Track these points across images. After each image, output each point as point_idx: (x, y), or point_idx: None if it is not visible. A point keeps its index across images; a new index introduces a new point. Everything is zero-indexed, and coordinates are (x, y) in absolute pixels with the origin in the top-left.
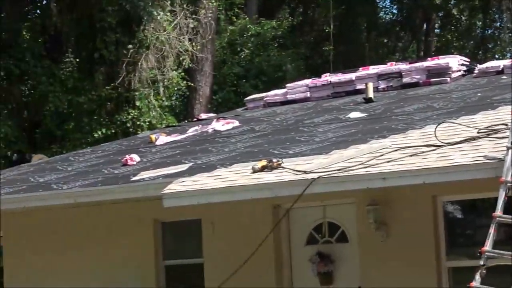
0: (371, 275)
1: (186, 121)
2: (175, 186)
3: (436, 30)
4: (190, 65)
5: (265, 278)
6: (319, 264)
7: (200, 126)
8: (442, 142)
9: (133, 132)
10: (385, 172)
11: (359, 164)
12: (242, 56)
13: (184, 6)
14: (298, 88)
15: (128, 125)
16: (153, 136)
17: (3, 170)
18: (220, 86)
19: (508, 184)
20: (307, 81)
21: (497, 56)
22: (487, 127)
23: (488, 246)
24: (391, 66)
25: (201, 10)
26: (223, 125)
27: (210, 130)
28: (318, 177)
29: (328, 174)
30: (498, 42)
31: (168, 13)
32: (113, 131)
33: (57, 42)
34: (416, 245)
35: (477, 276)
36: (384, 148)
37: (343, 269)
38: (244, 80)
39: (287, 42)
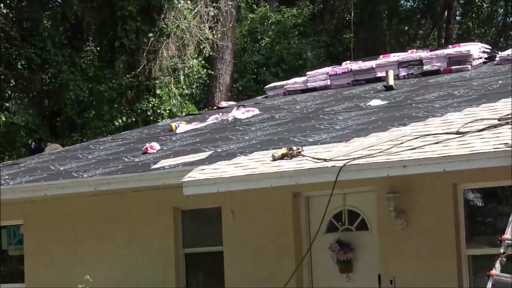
0: (390, 263)
1: (206, 109)
2: (195, 174)
3: (457, 18)
4: (211, 53)
5: (285, 266)
6: (339, 252)
7: (220, 114)
8: (463, 130)
9: (153, 120)
10: (405, 159)
11: (379, 152)
12: (263, 44)
13: None
14: (319, 76)
15: (149, 113)
16: (173, 124)
17: (24, 158)
18: (240, 74)
19: None
20: (328, 69)
21: None
22: (508, 115)
23: (508, 234)
24: (412, 54)
25: None
26: (243, 113)
27: (230, 118)
28: (344, 165)
29: (348, 162)
30: None
31: (189, 1)
32: (133, 119)
33: (77, 31)
34: (436, 233)
35: (497, 264)
36: (404, 136)
37: (363, 257)
38: (264, 68)
39: (308, 30)
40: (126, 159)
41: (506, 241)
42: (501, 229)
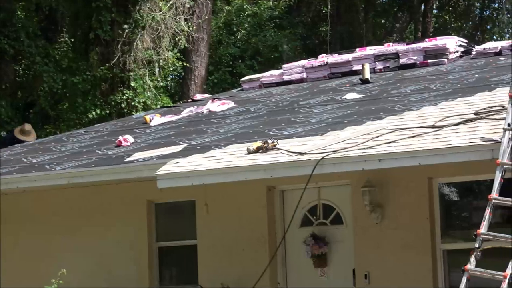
0: (365, 258)
1: (181, 102)
2: (169, 167)
3: (434, 11)
4: (186, 45)
5: (259, 260)
6: (313, 246)
7: (195, 107)
8: (439, 124)
9: (127, 113)
10: (381, 153)
11: (355, 146)
12: (238, 37)
13: None
14: (294, 69)
15: (123, 105)
16: (147, 117)
17: None
18: (215, 67)
19: (505, 166)
20: (304, 62)
21: (495, 38)
22: (484, 109)
23: (483, 228)
24: (388, 47)
25: None
26: (218, 106)
27: (205, 111)
28: (321, 159)
29: (324, 156)
30: (497, 23)
31: None
32: (107, 111)
33: (52, 22)
34: (411, 227)
35: (472, 259)
36: (380, 130)
37: (338, 251)
38: (240, 61)
39: (284, 22)
40: (99, 152)
41: (481, 236)
42: (477, 224)
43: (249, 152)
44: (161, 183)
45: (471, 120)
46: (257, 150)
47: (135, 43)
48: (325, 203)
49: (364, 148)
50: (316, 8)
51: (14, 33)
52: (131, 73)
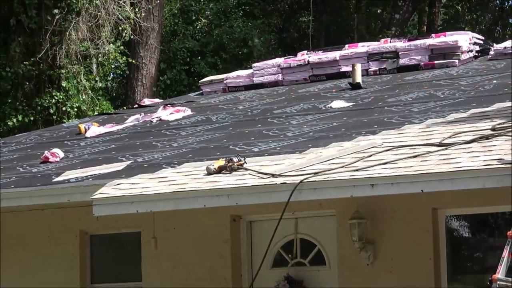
0: None
1: (124, 107)
2: (109, 190)
3: None
4: (132, 36)
5: None
6: None
7: (143, 114)
8: (447, 142)
9: (57, 120)
10: (374, 177)
11: (342, 167)
12: (198, 27)
13: None
14: (268, 68)
15: (51, 111)
16: (82, 126)
17: None
18: (169, 64)
19: None
20: (279, 60)
21: None
22: (503, 123)
23: (500, 273)
24: (385, 44)
25: None
26: (171, 113)
27: (154, 120)
28: (300, 182)
29: (303, 178)
30: None
31: None
32: (31, 118)
33: None
34: (411, 270)
35: None
36: (373, 147)
37: None
38: (199, 57)
39: (255, 10)
40: (21, 169)
41: (498, 282)
42: (492, 267)
43: (210, 173)
44: (98, 210)
45: (487, 137)
46: (220, 170)
47: (67, 33)
48: (304, 238)
49: (353, 170)
50: None
51: None
52: (62, 71)
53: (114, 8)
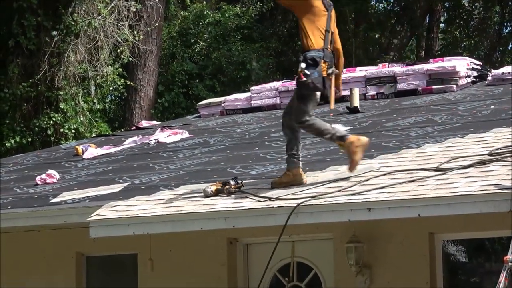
0: None
1: (122, 129)
2: (106, 212)
3: (441, 25)
4: (130, 59)
5: None
6: None
7: (140, 136)
8: (444, 166)
9: (54, 141)
10: (371, 201)
11: (339, 191)
12: (196, 50)
13: None
14: (266, 92)
15: (49, 132)
16: (79, 148)
17: None
18: (167, 87)
19: None
20: (277, 84)
21: None
22: (501, 149)
23: None
24: (383, 68)
25: None
26: (169, 135)
27: (152, 142)
28: (297, 205)
29: (300, 202)
30: None
31: None
32: (29, 139)
33: None
34: None
35: None
36: (370, 171)
37: None
38: (197, 80)
39: (254, 33)
40: (18, 190)
41: None
42: None
43: (207, 196)
44: (94, 231)
45: (484, 163)
46: (217, 193)
47: (66, 55)
48: (301, 262)
49: (350, 194)
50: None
51: None
52: (61, 92)
53: (112, 31)
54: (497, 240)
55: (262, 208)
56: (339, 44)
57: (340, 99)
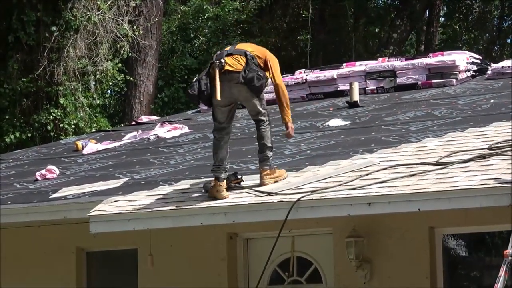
0: None
1: (122, 124)
2: (106, 207)
3: (441, 19)
4: (130, 54)
5: None
6: None
7: (140, 131)
8: (444, 161)
9: (54, 137)
10: (371, 195)
11: (339, 185)
12: (196, 45)
13: None
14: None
15: (49, 127)
16: (79, 143)
17: None
18: (167, 82)
19: None
20: None
21: None
22: (501, 143)
23: None
24: (383, 63)
25: None
26: (168, 130)
27: (152, 137)
28: (297, 200)
29: (300, 197)
30: None
31: None
32: (29, 135)
33: None
34: None
35: None
36: (370, 166)
37: None
38: (197, 75)
39: (253, 28)
40: (18, 186)
41: None
42: (489, 286)
43: (207, 191)
44: (94, 227)
45: (484, 157)
46: None
47: (65, 50)
48: (300, 256)
49: (350, 189)
50: (294, 11)
51: None
52: (60, 88)
53: (112, 26)
54: (497, 234)
55: (262, 203)
56: (276, 80)
57: (340, 93)
